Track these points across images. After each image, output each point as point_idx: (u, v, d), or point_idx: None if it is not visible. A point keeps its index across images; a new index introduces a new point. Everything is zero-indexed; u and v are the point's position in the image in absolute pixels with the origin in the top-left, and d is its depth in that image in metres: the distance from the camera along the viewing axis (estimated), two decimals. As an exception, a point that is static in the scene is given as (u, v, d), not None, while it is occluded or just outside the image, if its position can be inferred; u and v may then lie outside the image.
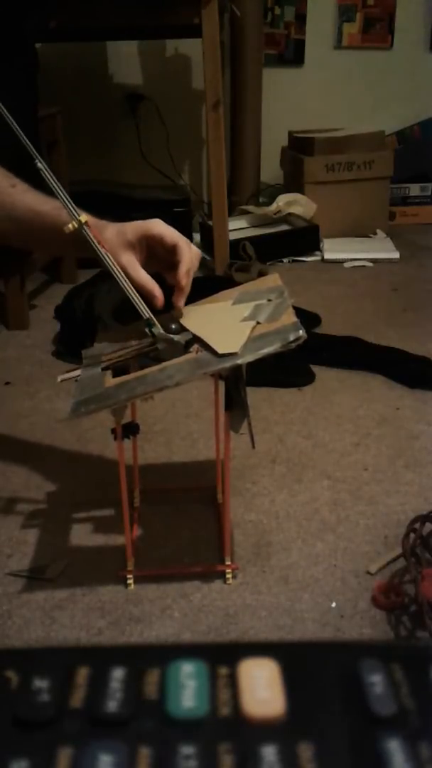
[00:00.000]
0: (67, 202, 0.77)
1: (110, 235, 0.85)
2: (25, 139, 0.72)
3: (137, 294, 0.83)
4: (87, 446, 1.25)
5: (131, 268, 0.85)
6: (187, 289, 0.87)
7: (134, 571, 0.91)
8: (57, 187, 0.76)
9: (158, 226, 0.87)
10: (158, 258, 0.88)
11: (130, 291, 0.83)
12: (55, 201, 0.85)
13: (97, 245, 0.79)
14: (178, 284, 0.86)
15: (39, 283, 2.14)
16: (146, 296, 0.85)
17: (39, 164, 0.75)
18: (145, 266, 0.87)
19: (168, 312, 0.89)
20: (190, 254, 0.87)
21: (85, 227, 0.78)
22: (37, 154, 0.74)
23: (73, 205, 0.78)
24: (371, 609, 0.87)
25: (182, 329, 0.85)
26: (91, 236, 0.79)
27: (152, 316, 0.83)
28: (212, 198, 2.13)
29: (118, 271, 0.82)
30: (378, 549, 0.97)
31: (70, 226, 0.78)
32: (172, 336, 0.83)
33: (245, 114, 2.70)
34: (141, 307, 0.83)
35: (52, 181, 0.76)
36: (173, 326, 0.85)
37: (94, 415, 0.79)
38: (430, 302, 1.97)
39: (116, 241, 0.85)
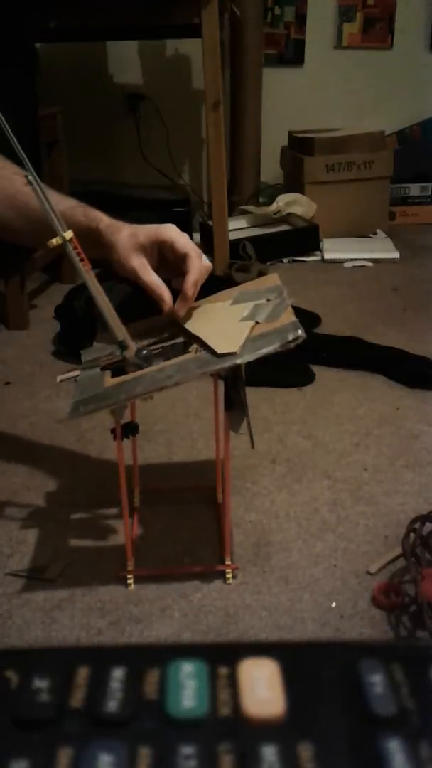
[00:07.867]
0: (54, 216, 0.77)
1: (123, 238, 0.85)
2: (19, 147, 0.72)
3: (114, 313, 0.83)
4: (87, 446, 1.25)
5: (141, 271, 0.84)
6: (192, 298, 0.85)
7: (134, 571, 0.91)
8: (45, 201, 0.76)
9: (170, 231, 0.85)
10: (168, 264, 0.87)
11: (105, 309, 0.82)
12: (70, 201, 0.84)
13: (78, 262, 0.79)
14: (184, 293, 0.84)
15: (39, 283, 2.14)
16: (155, 300, 0.84)
17: (29, 176, 0.74)
18: (156, 271, 0.86)
19: (151, 318, 0.89)
20: (200, 265, 0.85)
21: (68, 244, 0.77)
22: (29, 165, 0.73)
23: (60, 220, 0.78)
24: (371, 609, 0.87)
25: (149, 357, 0.84)
26: (73, 254, 0.78)
27: (127, 337, 0.83)
28: (212, 198, 2.13)
29: (98, 290, 0.81)
30: (378, 549, 0.97)
31: (54, 241, 0.77)
32: (141, 362, 0.83)
33: (245, 114, 2.69)
34: (115, 327, 0.82)
35: (41, 194, 0.75)
36: (144, 352, 0.84)
37: (94, 416, 0.79)
38: (430, 302, 1.97)
39: (128, 244, 0.84)
